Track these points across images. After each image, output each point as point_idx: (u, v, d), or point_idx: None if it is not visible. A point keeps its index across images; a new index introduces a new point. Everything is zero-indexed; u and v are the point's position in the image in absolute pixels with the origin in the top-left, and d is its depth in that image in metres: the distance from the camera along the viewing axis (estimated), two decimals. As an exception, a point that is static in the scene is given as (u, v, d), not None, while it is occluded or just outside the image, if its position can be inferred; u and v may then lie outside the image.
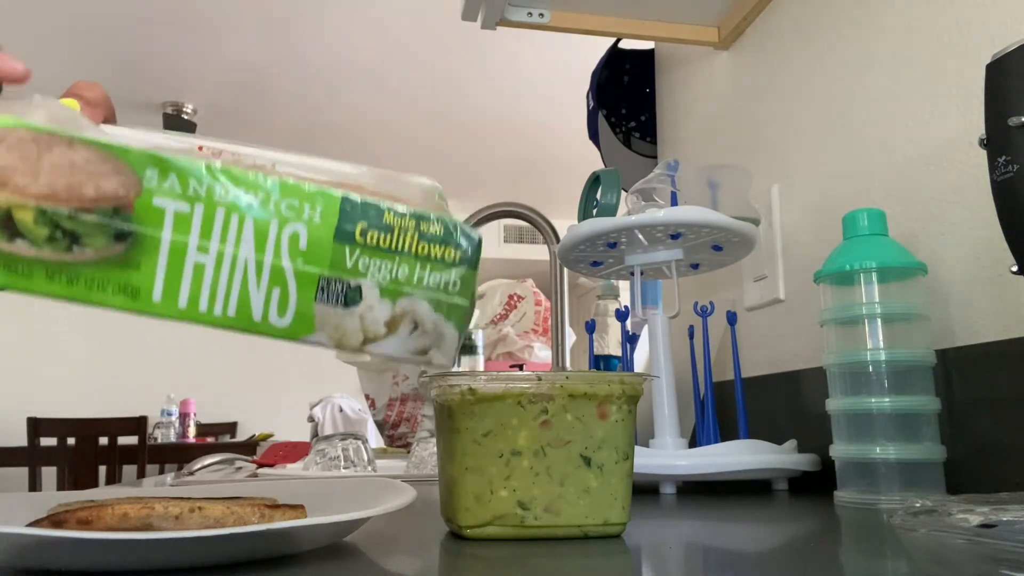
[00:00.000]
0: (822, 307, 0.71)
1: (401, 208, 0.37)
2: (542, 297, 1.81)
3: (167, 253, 0.35)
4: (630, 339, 1.06)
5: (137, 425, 3.24)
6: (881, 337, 0.66)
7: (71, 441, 3.16)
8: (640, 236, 0.84)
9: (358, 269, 0.36)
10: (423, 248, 0.37)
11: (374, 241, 0.36)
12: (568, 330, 1.39)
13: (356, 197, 0.36)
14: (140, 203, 0.34)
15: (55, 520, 0.36)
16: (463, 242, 0.38)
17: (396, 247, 0.37)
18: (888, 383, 0.65)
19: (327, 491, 0.54)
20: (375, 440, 1.73)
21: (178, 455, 3.46)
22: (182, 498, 0.40)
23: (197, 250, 0.35)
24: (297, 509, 0.40)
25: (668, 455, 0.79)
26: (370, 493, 0.50)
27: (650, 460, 0.77)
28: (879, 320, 0.66)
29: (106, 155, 0.34)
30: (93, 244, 0.34)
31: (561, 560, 0.41)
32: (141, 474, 3.21)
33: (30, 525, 0.36)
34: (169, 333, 4.60)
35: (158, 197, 0.34)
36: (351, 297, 0.36)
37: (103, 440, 3.18)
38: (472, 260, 0.39)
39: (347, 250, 0.36)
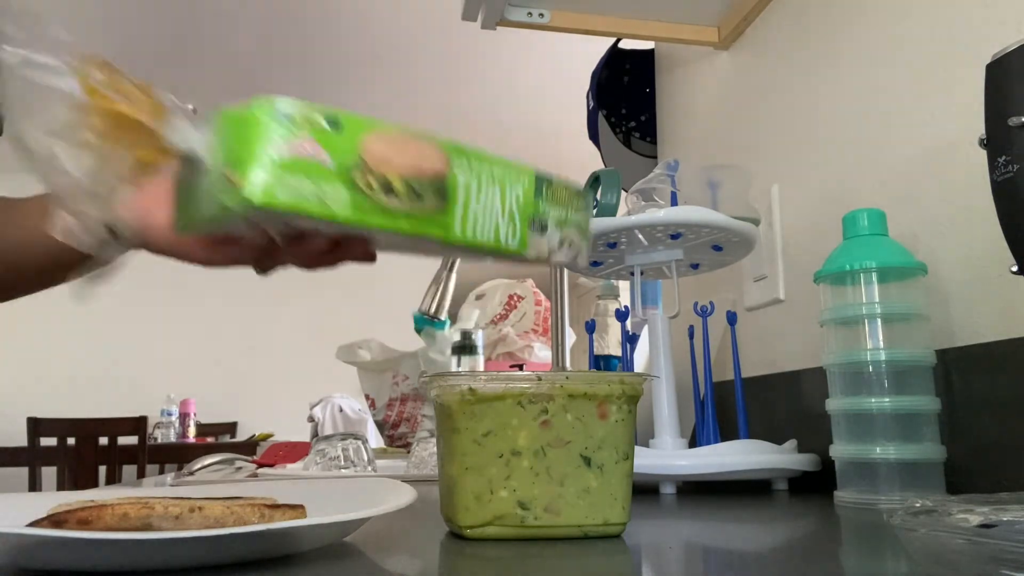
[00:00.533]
0: (822, 307, 0.71)
1: (561, 178, 0.59)
2: (542, 297, 1.81)
3: (462, 205, 0.55)
4: (630, 339, 1.06)
5: (137, 425, 3.24)
6: (881, 337, 0.66)
7: (71, 441, 3.16)
8: (640, 236, 0.84)
9: (546, 212, 0.58)
10: (574, 201, 0.60)
11: (552, 196, 0.58)
12: (568, 330, 1.39)
13: (542, 172, 0.58)
14: (450, 175, 0.54)
15: (55, 520, 0.36)
16: (589, 197, 0.62)
17: (561, 199, 0.59)
18: (888, 383, 0.65)
19: (327, 491, 0.54)
20: (375, 440, 1.73)
21: (178, 455, 3.46)
22: (182, 498, 0.40)
23: (476, 202, 0.55)
24: (297, 509, 0.40)
25: (668, 455, 0.79)
26: (370, 493, 0.50)
27: (650, 460, 0.77)
28: (879, 320, 0.66)
29: (432, 145, 0.54)
30: (429, 200, 0.53)
31: (561, 560, 0.41)
32: (141, 474, 3.21)
33: (30, 525, 0.36)
34: (169, 333, 4.61)
35: (459, 173, 0.54)
36: (543, 228, 0.57)
37: (103, 440, 3.18)
38: (590, 205, 0.63)
39: (540, 202, 0.57)
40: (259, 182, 0.46)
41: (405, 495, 0.45)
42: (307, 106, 0.49)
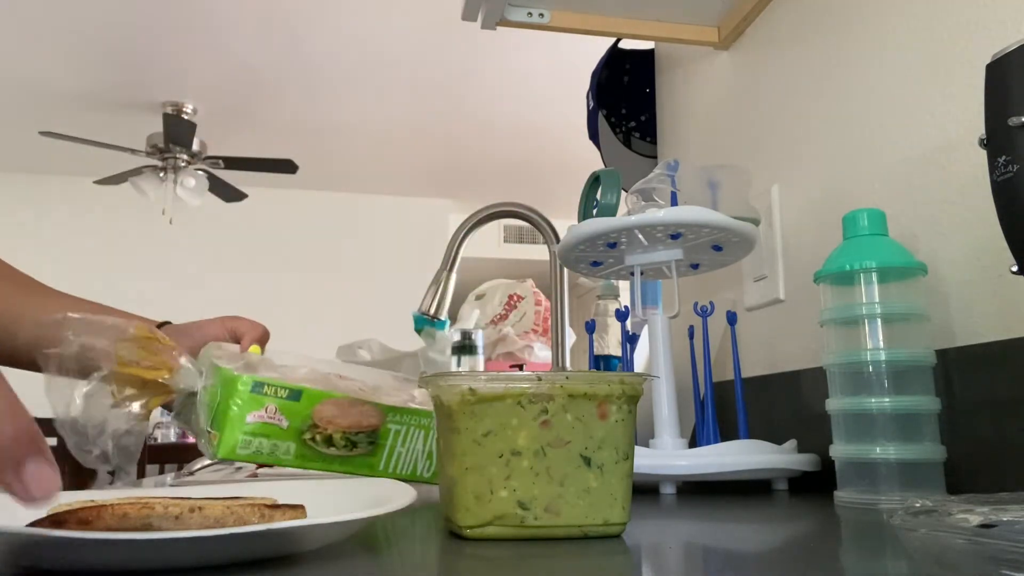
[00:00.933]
0: (822, 307, 0.71)
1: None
2: (542, 297, 1.81)
3: (388, 448, 0.72)
4: (630, 339, 1.06)
5: (137, 425, 3.23)
6: (881, 337, 0.66)
7: (71, 441, 3.15)
8: (640, 236, 0.84)
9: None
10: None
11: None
12: (568, 330, 1.39)
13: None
14: (383, 428, 0.72)
15: (55, 520, 0.36)
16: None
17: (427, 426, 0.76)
18: (888, 383, 0.65)
19: (327, 491, 0.54)
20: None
21: (178, 455, 3.46)
22: (182, 498, 0.40)
23: (402, 446, 0.73)
24: (297, 509, 0.40)
25: (668, 455, 0.79)
26: (370, 493, 0.50)
27: (650, 460, 0.77)
28: (879, 320, 0.66)
29: (372, 406, 0.71)
30: (362, 447, 0.70)
31: (561, 560, 0.41)
32: (141, 474, 3.21)
33: (30, 525, 0.36)
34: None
35: (391, 424, 0.72)
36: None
37: (103, 440, 3.17)
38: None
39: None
40: (228, 444, 0.66)
41: (405, 495, 0.45)
42: (277, 382, 0.67)
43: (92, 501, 0.40)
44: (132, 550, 0.34)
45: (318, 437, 0.69)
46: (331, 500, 0.50)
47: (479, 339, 1.36)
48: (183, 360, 0.72)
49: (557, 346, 1.36)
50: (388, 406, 0.73)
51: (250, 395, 0.67)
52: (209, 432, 0.68)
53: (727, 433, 0.91)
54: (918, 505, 0.37)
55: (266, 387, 0.67)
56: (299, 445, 0.68)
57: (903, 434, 0.64)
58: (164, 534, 0.33)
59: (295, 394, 0.68)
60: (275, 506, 0.40)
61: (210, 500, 0.39)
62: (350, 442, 0.70)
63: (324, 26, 3.13)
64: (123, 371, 0.69)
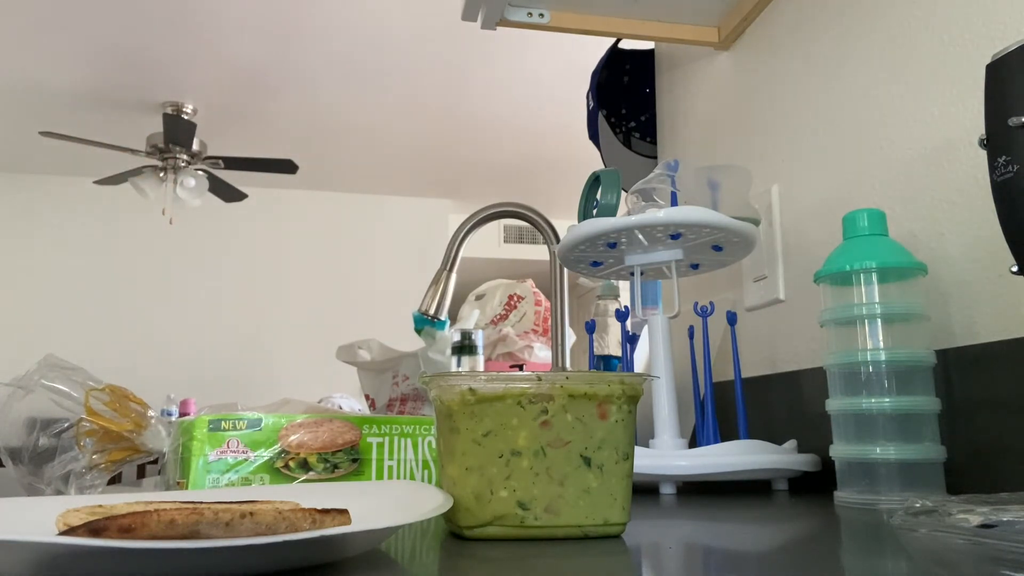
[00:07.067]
0: (822, 307, 0.71)
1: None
2: (542, 297, 1.80)
3: (376, 463, 0.70)
4: (630, 339, 1.06)
5: (137, 425, 3.23)
6: (881, 337, 0.66)
7: (71, 441, 3.16)
8: (640, 236, 0.84)
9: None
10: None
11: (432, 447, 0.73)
12: (568, 330, 1.39)
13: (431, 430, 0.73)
14: (362, 443, 0.69)
15: (93, 528, 0.33)
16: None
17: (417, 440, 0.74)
18: (888, 383, 0.65)
19: (350, 493, 0.52)
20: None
21: (178, 455, 3.45)
22: (231, 503, 0.38)
23: (390, 458, 0.70)
24: (343, 514, 0.39)
25: (668, 455, 0.79)
26: (403, 497, 0.49)
27: (650, 460, 0.77)
28: (879, 320, 0.66)
29: (344, 421, 0.70)
30: (344, 467, 0.68)
31: (561, 560, 0.41)
32: (141, 474, 3.21)
33: (63, 534, 0.33)
34: (169, 334, 4.61)
35: (370, 437, 0.70)
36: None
37: (103, 440, 3.17)
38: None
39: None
40: (195, 488, 0.64)
41: (441, 497, 0.44)
42: (234, 415, 0.67)
43: (100, 506, 0.39)
44: (179, 559, 0.31)
45: (291, 463, 0.67)
46: (360, 503, 0.48)
47: (479, 339, 1.35)
48: (153, 420, 0.73)
49: (557, 346, 1.36)
50: (362, 417, 0.71)
51: (208, 434, 0.66)
52: (179, 483, 0.67)
53: (727, 433, 0.91)
54: (918, 505, 0.37)
55: (223, 422, 0.67)
56: (273, 475, 0.67)
57: (903, 434, 0.64)
58: (216, 542, 0.31)
59: (255, 423, 0.67)
60: (324, 511, 0.39)
61: (260, 505, 0.38)
62: (329, 463, 0.68)
63: (324, 26, 3.13)
64: (91, 420, 0.71)
